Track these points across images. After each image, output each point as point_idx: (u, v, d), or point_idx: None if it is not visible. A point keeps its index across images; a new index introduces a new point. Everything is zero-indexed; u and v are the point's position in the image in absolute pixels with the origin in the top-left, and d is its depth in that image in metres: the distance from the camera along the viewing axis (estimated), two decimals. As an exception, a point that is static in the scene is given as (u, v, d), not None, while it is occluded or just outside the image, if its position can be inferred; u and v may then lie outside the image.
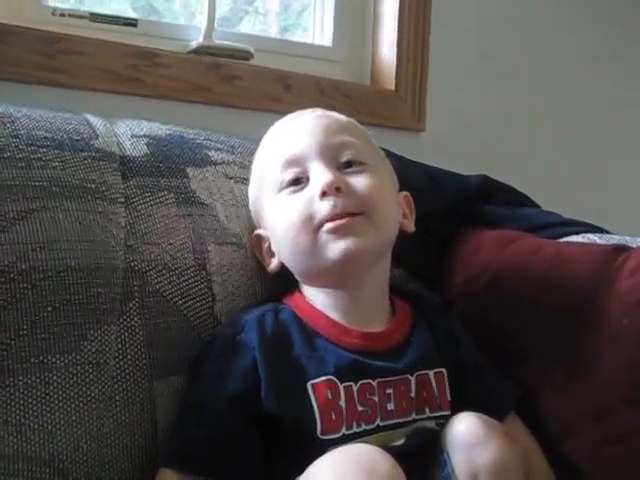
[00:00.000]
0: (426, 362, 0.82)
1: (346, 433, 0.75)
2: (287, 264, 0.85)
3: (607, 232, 1.14)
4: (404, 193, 0.91)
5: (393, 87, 1.37)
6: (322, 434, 0.74)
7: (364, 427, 0.76)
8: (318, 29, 1.42)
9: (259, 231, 0.88)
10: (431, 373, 0.82)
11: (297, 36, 1.49)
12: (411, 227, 0.90)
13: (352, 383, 0.77)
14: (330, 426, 0.74)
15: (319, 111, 0.89)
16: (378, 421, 0.77)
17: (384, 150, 1.02)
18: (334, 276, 0.81)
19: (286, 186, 0.82)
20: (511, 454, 0.74)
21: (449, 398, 0.82)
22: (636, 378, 0.85)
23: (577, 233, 1.11)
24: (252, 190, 0.90)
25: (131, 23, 1.22)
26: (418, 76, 1.39)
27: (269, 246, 0.87)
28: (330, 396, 0.75)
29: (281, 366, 0.76)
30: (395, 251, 0.94)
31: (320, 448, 0.72)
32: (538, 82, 1.59)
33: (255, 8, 1.48)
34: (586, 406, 0.87)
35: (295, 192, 0.81)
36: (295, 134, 0.85)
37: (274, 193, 0.83)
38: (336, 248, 0.78)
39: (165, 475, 0.75)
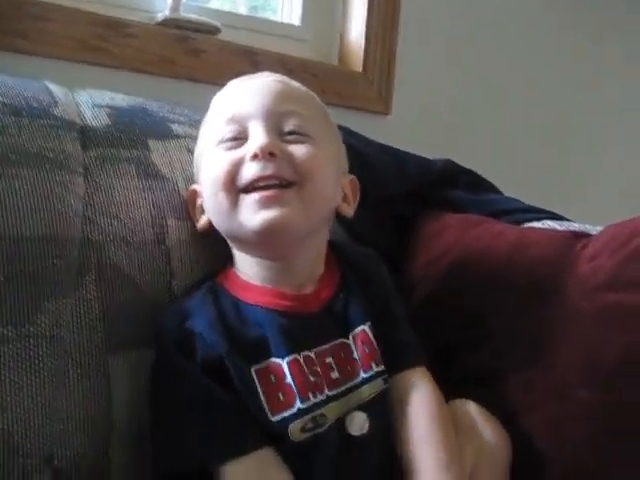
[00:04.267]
0: (358, 317, 0.81)
1: (301, 407, 0.74)
2: (213, 222, 0.83)
3: (567, 220, 1.15)
4: (350, 176, 0.88)
5: (361, 68, 1.36)
6: (273, 416, 0.73)
7: (319, 397, 0.75)
8: (287, 8, 1.40)
9: (195, 186, 0.86)
10: (366, 327, 0.81)
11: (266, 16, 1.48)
12: (350, 212, 0.87)
13: (296, 355, 0.75)
14: (279, 406, 0.73)
15: (278, 76, 0.86)
16: (327, 391, 0.76)
17: (351, 130, 1.01)
18: (254, 245, 0.79)
19: (224, 141, 0.80)
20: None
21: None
22: (593, 360, 0.86)
23: (538, 219, 1.12)
24: (197, 147, 0.88)
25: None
26: (386, 58, 1.38)
27: (202, 203, 0.85)
28: (274, 379, 0.74)
29: (229, 348, 0.73)
30: (358, 230, 0.93)
31: (278, 428, 0.72)
32: (506, 67, 1.60)
33: None
34: (547, 385, 0.88)
35: (230, 149, 0.79)
36: (245, 93, 0.83)
37: (212, 146, 0.81)
38: (255, 219, 0.76)
39: (231, 469, 0.71)
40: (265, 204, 0.75)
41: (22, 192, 0.76)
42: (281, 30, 1.37)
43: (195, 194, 0.86)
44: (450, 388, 0.90)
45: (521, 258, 0.94)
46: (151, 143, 0.90)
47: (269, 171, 0.76)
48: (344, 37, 1.39)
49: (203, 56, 1.18)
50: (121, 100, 0.94)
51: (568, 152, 1.73)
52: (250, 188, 0.77)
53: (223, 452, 0.71)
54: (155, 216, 0.85)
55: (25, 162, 0.78)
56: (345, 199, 0.86)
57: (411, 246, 1.09)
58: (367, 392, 0.78)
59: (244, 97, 0.82)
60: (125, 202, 0.84)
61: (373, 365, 0.79)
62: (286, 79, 0.86)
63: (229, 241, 0.83)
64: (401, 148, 1.18)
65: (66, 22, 1.07)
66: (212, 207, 0.81)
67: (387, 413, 0.80)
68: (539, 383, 0.88)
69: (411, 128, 1.41)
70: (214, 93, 1.18)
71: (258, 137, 0.77)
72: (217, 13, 1.32)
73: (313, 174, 0.78)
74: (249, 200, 0.76)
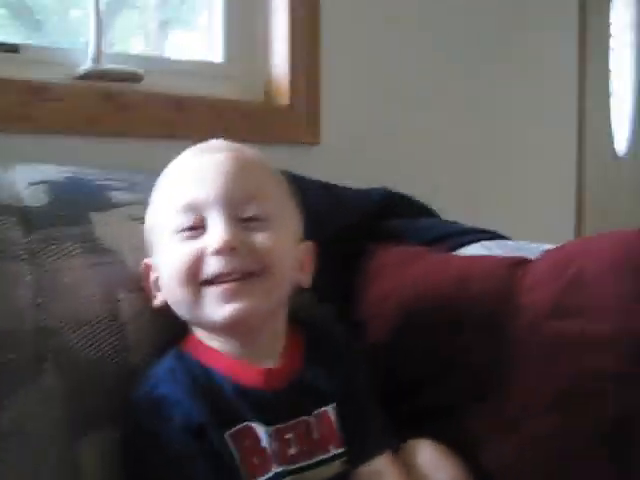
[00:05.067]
0: (322, 398, 0.82)
1: (277, 471, 0.76)
2: (172, 308, 0.82)
3: (503, 237, 1.20)
4: (307, 243, 0.87)
5: (287, 101, 1.37)
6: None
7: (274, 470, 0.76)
8: (209, 44, 1.40)
9: (147, 260, 0.85)
10: (329, 408, 0.82)
11: (177, 29, 1.47)
12: (307, 282, 0.86)
13: (268, 427, 0.77)
14: (256, 470, 0.75)
15: (224, 148, 0.84)
16: (274, 469, 0.76)
17: (294, 175, 1.01)
18: (221, 332, 0.79)
19: (181, 230, 0.79)
20: None
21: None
22: (547, 387, 0.90)
23: (476, 241, 1.16)
24: (149, 217, 0.86)
25: (12, 49, 1.16)
26: (311, 89, 1.40)
27: (157, 279, 0.83)
28: (248, 443, 0.75)
29: (209, 415, 0.74)
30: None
31: None
32: (430, 91, 1.64)
33: (133, 3, 1.44)
34: (503, 416, 0.91)
35: (189, 238, 0.78)
36: (199, 177, 0.80)
37: (167, 233, 0.80)
38: (221, 312, 0.76)
39: None
40: (228, 297, 0.76)
41: (-31, 289, 0.75)
42: (205, 69, 1.37)
43: (149, 268, 0.84)
44: (407, 422, 0.94)
45: (466, 294, 0.97)
46: (93, 216, 0.89)
47: (231, 266, 0.76)
48: (268, 72, 1.40)
49: (130, 109, 1.17)
50: (56, 173, 0.93)
51: (494, 165, 1.79)
52: (212, 280, 0.77)
53: None
54: (106, 292, 0.85)
55: (-32, 257, 0.77)
56: (302, 268, 0.86)
57: (357, 283, 1.11)
58: (323, 474, 0.80)
59: (199, 182, 0.80)
60: (74, 283, 0.83)
61: (331, 448, 0.81)
62: (241, 151, 0.84)
63: (188, 323, 0.83)
64: (333, 177, 1.20)
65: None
66: (173, 298, 0.81)
67: None
68: (495, 415, 0.92)
69: (341, 155, 1.44)
70: (145, 147, 1.19)
71: (218, 230, 0.77)
72: (138, 58, 1.31)
73: (274, 265, 0.78)
74: (212, 294, 0.77)
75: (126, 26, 1.39)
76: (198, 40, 1.46)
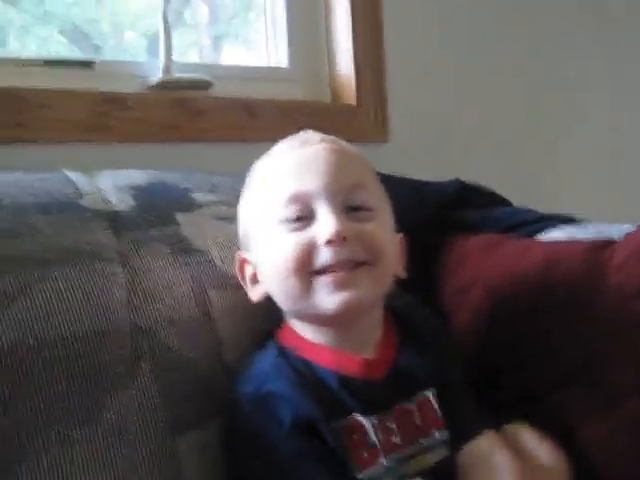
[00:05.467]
0: (421, 384, 0.82)
1: (386, 464, 0.75)
2: (275, 299, 0.82)
3: (579, 221, 1.17)
4: (399, 235, 0.87)
5: (354, 101, 1.38)
6: (360, 472, 0.74)
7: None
8: (272, 50, 1.41)
9: (244, 254, 0.85)
10: (429, 393, 0.82)
11: (229, 44, 1.49)
12: (403, 273, 0.86)
13: (371, 417, 0.76)
14: (365, 463, 0.74)
15: (330, 142, 0.83)
16: (383, 462, 0.75)
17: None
18: (326, 322, 0.79)
19: (287, 222, 0.78)
20: None
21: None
22: (636, 369, 0.88)
23: (554, 226, 1.14)
24: (245, 212, 0.86)
25: (87, 65, 1.19)
26: (377, 87, 1.40)
27: (254, 273, 0.83)
28: (356, 437, 0.75)
29: (318, 410, 0.74)
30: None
31: None
32: (498, 84, 1.62)
33: (184, 21, 1.47)
34: (594, 400, 0.89)
35: (295, 230, 0.78)
36: (303, 167, 0.80)
37: (272, 225, 0.79)
38: (332, 301, 0.76)
39: None
40: (340, 286, 0.75)
41: (67, 291, 0.77)
42: (270, 74, 1.38)
43: (244, 262, 0.84)
44: (498, 410, 0.92)
45: (553, 277, 0.96)
46: (179, 217, 0.90)
47: (344, 256, 0.76)
48: (333, 72, 1.40)
49: (203, 115, 1.19)
50: (139, 178, 0.95)
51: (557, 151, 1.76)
52: (322, 270, 0.76)
53: None
54: (196, 291, 0.86)
55: (64, 260, 0.78)
56: (398, 259, 0.85)
57: (437, 275, 1.10)
58: (429, 460, 0.79)
59: (303, 173, 0.79)
60: (165, 283, 0.84)
61: (436, 433, 0.80)
62: (338, 143, 0.84)
63: (291, 316, 0.83)
64: (404, 174, 1.19)
65: (64, 105, 1.07)
66: (280, 289, 0.80)
67: None
68: (588, 399, 0.90)
69: (410, 152, 1.43)
70: (219, 151, 1.21)
71: (328, 220, 0.76)
72: (206, 66, 1.33)
73: (383, 254, 0.78)
74: (322, 283, 0.76)
75: (179, 44, 1.41)
76: (254, 49, 1.47)
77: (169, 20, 1.24)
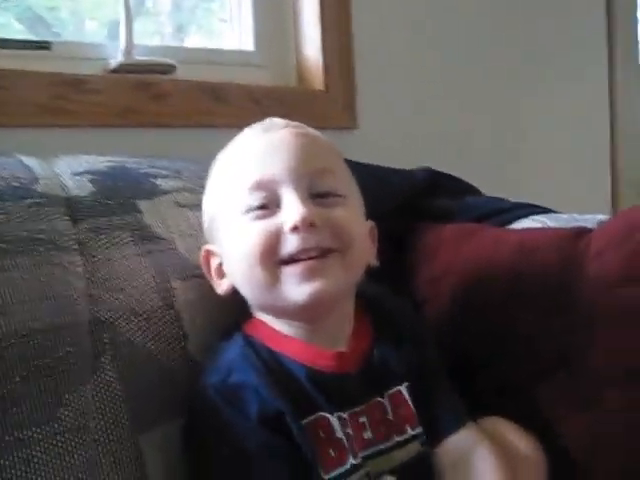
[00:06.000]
0: (394, 378, 0.79)
1: (354, 462, 0.72)
2: (241, 292, 0.78)
3: (552, 211, 1.16)
4: (370, 223, 0.84)
5: (322, 87, 1.34)
6: (326, 474, 0.70)
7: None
8: (237, 33, 1.37)
9: (209, 246, 0.81)
10: (402, 388, 0.79)
11: (191, 34, 1.45)
12: (375, 261, 0.83)
13: (341, 413, 0.73)
14: (332, 462, 0.71)
15: (293, 125, 0.80)
16: (350, 460, 0.72)
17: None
18: (295, 315, 0.76)
19: (251, 210, 0.74)
20: None
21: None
22: (621, 358, 0.86)
23: (526, 216, 1.12)
24: (209, 203, 0.82)
25: (44, 46, 1.14)
26: (345, 73, 1.37)
27: (220, 265, 0.80)
28: (323, 434, 0.71)
29: (285, 403, 0.70)
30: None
31: None
32: (467, 70, 1.60)
33: (146, 9, 1.43)
34: (574, 391, 0.87)
35: (260, 218, 0.74)
36: (268, 153, 0.76)
37: (236, 214, 0.75)
38: (300, 292, 0.72)
39: None
40: (308, 276, 0.72)
41: (22, 282, 0.72)
42: (236, 58, 1.34)
43: (209, 254, 0.81)
44: (474, 402, 0.90)
45: (528, 266, 0.93)
46: (140, 204, 0.86)
47: (311, 243, 0.72)
48: (300, 57, 1.37)
49: (166, 100, 1.14)
50: (99, 162, 0.90)
51: (528, 144, 1.76)
52: (290, 259, 0.73)
53: None
54: (159, 281, 0.82)
55: (19, 249, 0.73)
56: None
57: (409, 264, 1.07)
58: (401, 456, 0.76)
59: (267, 158, 0.76)
60: (126, 272, 0.80)
61: (408, 428, 0.77)
62: (304, 128, 0.80)
63: (258, 309, 0.79)
64: (373, 161, 1.16)
65: (21, 87, 1.01)
66: (246, 281, 0.76)
67: (424, 478, 0.77)
68: (566, 390, 0.88)
69: (380, 139, 1.40)
70: (183, 137, 1.16)
71: (294, 206, 0.72)
72: (169, 50, 1.29)
73: (353, 240, 0.75)
74: (291, 272, 0.72)
75: (141, 32, 1.37)
76: (218, 38, 1.43)
77: (130, 7, 1.19)
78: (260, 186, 0.74)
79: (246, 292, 0.78)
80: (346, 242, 0.74)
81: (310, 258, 0.72)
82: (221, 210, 0.79)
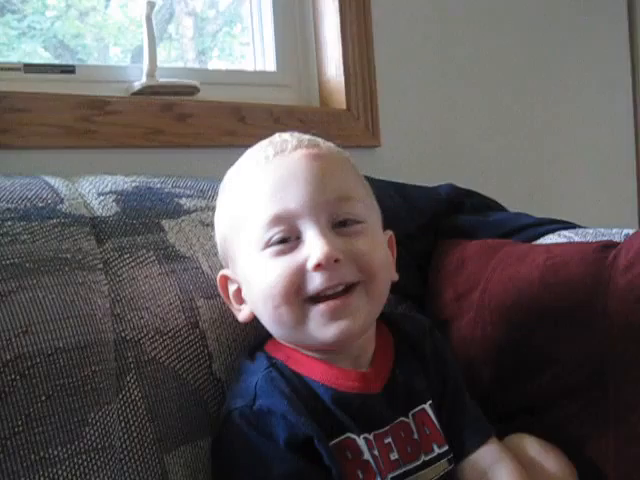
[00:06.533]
0: (418, 397, 0.77)
1: None
2: (265, 327, 0.76)
3: (579, 226, 1.14)
4: (387, 233, 0.81)
5: (344, 106, 1.34)
6: None
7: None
8: (259, 54, 1.38)
9: (226, 272, 0.79)
10: (426, 406, 0.77)
11: (214, 58, 1.46)
12: (395, 276, 0.79)
13: (366, 434, 0.72)
14: None
15: (306, 144, 0.74)
16: (382, 477, 0.71)
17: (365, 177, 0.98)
18: (321, 348, 0.74)
19: (271, 245, 0.71)
20: None
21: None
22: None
23: (552, 232, 1.11)
24: (222, 226, 0.79)
25: (68, 70, 1.15)
26: (368, 91, 1.37)
27: (238, 290, 0.77)
28: (350, 456, 0.70)
29: (314, 427, 0.68)
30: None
31: None
32: (486, 88, 1.60)
33: (169, 35, 1.44)
34: (608, 408, 0.86)
35: (280, 254, 0.71)
36: (283, 183, 0.71)
37: (254, 249, 0.72)
38: (328, 332, 0.70)
39: None
40: (335, 316, 0.70)
41: (47, 301, 0.72)
42: (258, 79, 1.35)
43: (226, 280, 0.79)
44: (501, 419, 0.88)
45: (556, 281, 0.92)
46: (164, 223, 0.86)
47: (336, 280, 0.69)
48: (322, 77, 1.37)
49: (189, 120, 1.15)
50: (123, 183, 0.90)
51: (551, 157, 1.74)
52: (315, 297, 0.70)
53: None
54: (183, 300, 0.82)
55: (44, 269, 0.74)
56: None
57: (435, 281, 1.06)
58: (429, 475, 0.74)
59: (283, 190, 0.71)
60: (151, 291, 0.80)
61: (435, 447, 0.76)
62: (316, 145, 0.75)
63: (283, 342, 0.77)
64: (396, 179, 1.16)
65: (46, 109, 1.03)
66: (271, 320, 0.73)
67: None
68: (599, 407, 0.86)
69: (402, 157, 1.40)
70: (207, 157, 1.16)
71: (317, 243, 0.69)
72: (191, 71, 1.29)
73: (377, 271, 0.72)
74: (317, 312, 0.70)
75: (165, 58, 1.38)
76: (240, 62, 1.44)
77: (154, 29, 1.20)
78: (278, 221, 0.71)
79: (271, 329, 0.76)
80: (370, 274, 0.72)
81: (336, 294, 0.70)
82: (235, 240, 0.76)
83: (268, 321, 0.74)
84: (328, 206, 0.71)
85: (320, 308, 0.70)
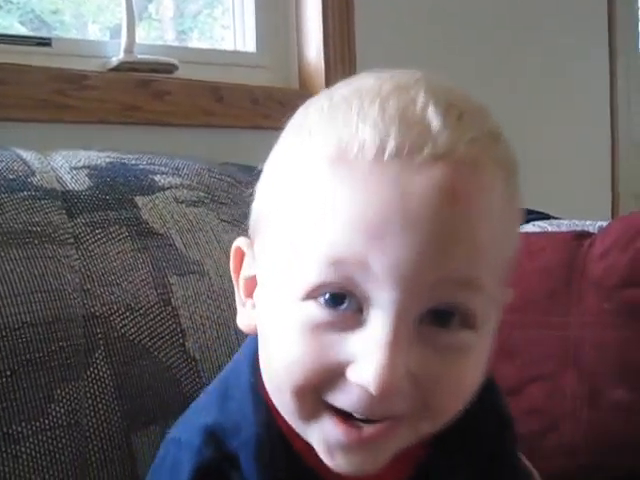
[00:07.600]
0: None
1: None
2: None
3: (554, 217, 1.15)
4: (509, 291, 0.52)
5: (324, 89, 1.32)
6: None
7: None
8: (239, 36, 1.36)
9: (246, 249, 0.54)
10: None
11: (194, 40, 1.44)
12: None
13: None
14: None
15: (449, 159, 0.44)
16: None
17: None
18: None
19: (316, 297, 0.45)
20: None
21: None
22: (627, 359, 0.85)
23: (526, 222, 1.11)
24: (262, 201, 0.52)
25: (45, 43, 1.13)
26: (348, 75, 1.33)
27: (253, 280, 0.53)
28: None
29: None
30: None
31: None
32: (470, 75, 1.59)
33: (149, 14, 1.42)
34: (579, 392, 0.86)
35: (322, 329, 0.45)
36: (385, 218, 0.43)
37: (291, 288, 0.47)
38: (339, 461, 0.47)
39: None
40: (358, 449, 0.47)
41: (15, 275, 0.70)
42: (238, 59, 1.33)
43: (242, 256, 0.55)
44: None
45: (532, 267, 0.92)
46: (138, 199, 0.85)
47: (379, 413, 0.45)
48: (303, 60, 1.36)
49: (167, 98, 1.13)
50: (97, 158, 0.88)
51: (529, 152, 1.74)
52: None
53: None
54: (156, 276, 0.80)
55: (12, 241, 0.72)
56: None
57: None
58: None
59: (378, 229, 0.43)
60: (122, 267, 0.79)
61: None
62: (476, 163, 0.45)
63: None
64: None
65: (22, 82, 1.00)
66: (271, 389, 0.51)
67: None
68: (571, 391, 0.87)
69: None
70: (183, 135, 1.15)
71: (377, 357, 0.43)
72: (171, 49, 1.28)
73: (453, 409, 0.47)
74: (332, 426, 0.47)
75: (144, 38, 1.36)
76: (220, 44, 1.42)
77: (133, 7, 1.18)
78: (344, 268, 0.44)
79: (273, 397, 0.51)
80: (438, 412, 0.47)
81: (371, 423, 0.46)
82: (266, 231, 0.51)
83: (266, 381, 0.52)
84: (431, 287, 0.44)
85: (337, 429, 0.46)
